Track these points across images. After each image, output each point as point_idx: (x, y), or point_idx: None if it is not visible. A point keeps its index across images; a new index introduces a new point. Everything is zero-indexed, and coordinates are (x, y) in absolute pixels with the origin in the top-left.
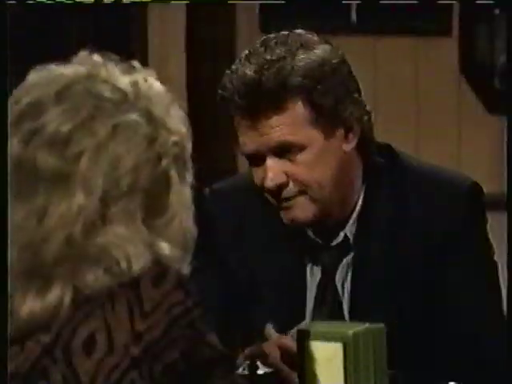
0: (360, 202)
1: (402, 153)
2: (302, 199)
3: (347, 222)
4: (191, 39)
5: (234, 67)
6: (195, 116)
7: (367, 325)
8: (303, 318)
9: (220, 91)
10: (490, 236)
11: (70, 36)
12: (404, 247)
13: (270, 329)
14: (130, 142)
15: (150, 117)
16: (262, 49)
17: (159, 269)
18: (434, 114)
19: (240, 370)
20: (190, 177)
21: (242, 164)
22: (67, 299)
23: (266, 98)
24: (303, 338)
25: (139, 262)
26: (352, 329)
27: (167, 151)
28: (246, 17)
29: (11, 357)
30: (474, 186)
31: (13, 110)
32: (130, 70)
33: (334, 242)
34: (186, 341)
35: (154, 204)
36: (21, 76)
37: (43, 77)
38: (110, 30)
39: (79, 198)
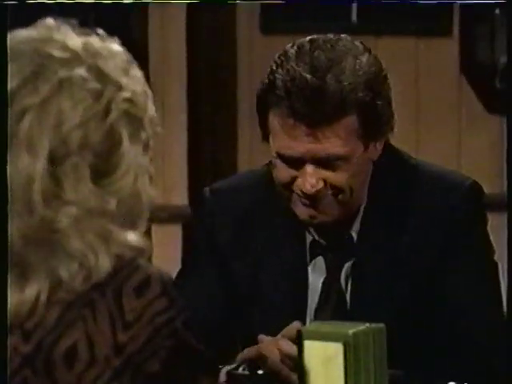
0: (364, 203)
1: (402, 152)
2: (330, 200)
3: (352, 222)
4: (191, 39)
5: (285, 65)
6: (195, 116)
7: (367, 325)
8: (304, 318)
9: (270, 88)
10: (490, 236)
11: None
12: (405, 247)
13: (263, 337)
14: (75, 97)
15: (98, 72)
16: (317, 52)
17: (142, 276)
18: (433, 113)
19: (240, 369)
20: (146, 138)
21: (242, 164)
22: (43, 298)
23: (328, 108)
24: (303, 337)
25: (105, 256)
26: (352, 329)
27: (116, 106)
28: (246, 17)
29: None
30: (474, 186)
31: None
32: (89, 33)
33: (338, 242)
34: (167, 351)
35: (102, 161)
36: None
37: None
38: (110, 30)
39: (24, 160)
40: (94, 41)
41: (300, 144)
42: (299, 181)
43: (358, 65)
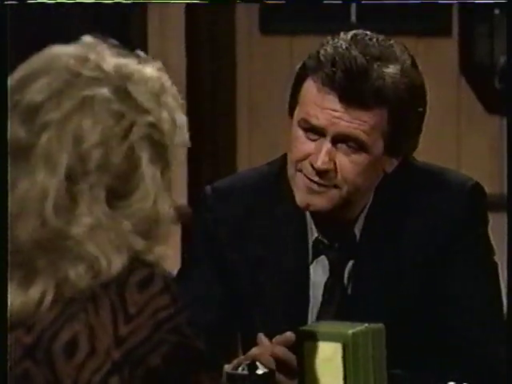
0: (369, 203)
1: None
2: (333, 192)
3: (355, 221)
4: (191, 39)
5: (336, 43)
6: (195, 116)
7: (366, 325)
8: (305, 317)
9: (315, 57)
10: (491, 236)
11: (69, 36)
12: (408, 247)
13: (262, 337)
14: (96, 116)
15: (125, 95)
16: (373, 41)
17: (145, 272)
18: (433, 113)
19: (240, 369)
20: (168, 162)
21: (242, 164)
22: (49, 297)
23: (366, 90)
24: (303, 337)
25: (118, 260)
26: (352, 329)
27: (137, 130)
28: (246, 17)
29: None
30: (476, 187)
31: (10, 83)
32: (128, 54)
33: (341, 241)
34: (169, 346)
35: (120, 184)
36: None
37: (40, 54)
38: (109, 29)
39: (41, 173)
40: (129, 63)
41: (327, 115)
42: (313, 156)
43: (405, 66)
